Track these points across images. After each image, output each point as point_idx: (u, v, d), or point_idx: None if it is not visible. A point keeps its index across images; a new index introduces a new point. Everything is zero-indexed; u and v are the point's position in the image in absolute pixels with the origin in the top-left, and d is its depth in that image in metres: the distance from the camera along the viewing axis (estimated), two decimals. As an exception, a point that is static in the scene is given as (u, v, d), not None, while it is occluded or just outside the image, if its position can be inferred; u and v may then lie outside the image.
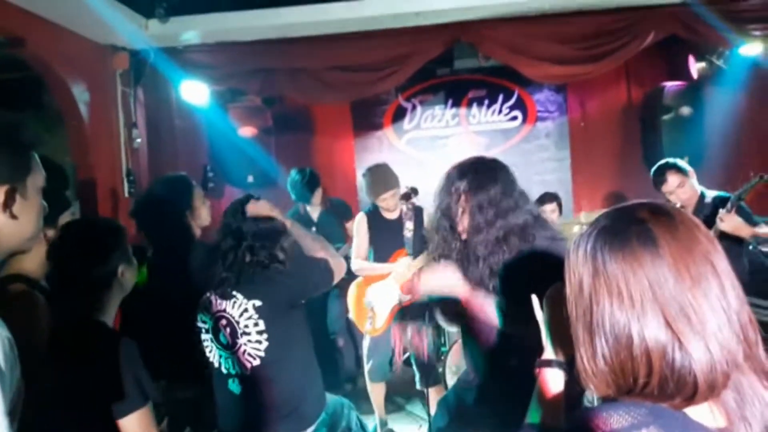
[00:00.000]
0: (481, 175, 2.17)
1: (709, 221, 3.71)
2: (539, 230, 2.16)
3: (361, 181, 6.32)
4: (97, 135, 4.51)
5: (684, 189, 3.97)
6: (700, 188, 4.04)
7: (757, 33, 4.78)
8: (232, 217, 2.53)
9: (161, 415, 2.82)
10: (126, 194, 4.72)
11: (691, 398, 0.96)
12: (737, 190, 3.70)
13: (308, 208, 5.13)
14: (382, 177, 4.19)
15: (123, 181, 4.72)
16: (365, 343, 4.30)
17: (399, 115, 6.45)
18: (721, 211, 3.68)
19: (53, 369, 1.76)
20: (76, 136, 4.42)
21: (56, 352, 1.81)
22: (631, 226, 1.02)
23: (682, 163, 4.06)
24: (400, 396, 5.09)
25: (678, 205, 3.93)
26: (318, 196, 5.05)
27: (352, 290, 4.34)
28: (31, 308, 1.97)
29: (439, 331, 5.16)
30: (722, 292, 1.00)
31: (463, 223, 2.17)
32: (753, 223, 3.72)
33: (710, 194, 4.01)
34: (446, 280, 2.17)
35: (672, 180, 3.98)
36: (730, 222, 3.64)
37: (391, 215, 4.26)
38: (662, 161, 4.13)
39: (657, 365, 0.95)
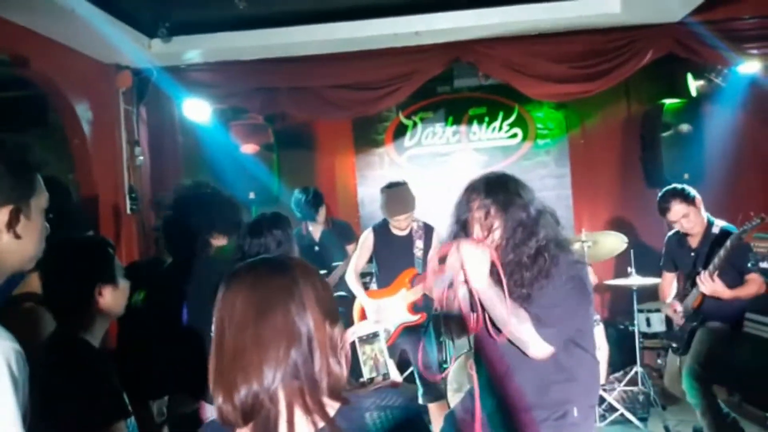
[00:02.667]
0: (511, 192, 2.14)
1: (712, 253, 3.68)
2: (562, 252, 2.15)
3: (362, 196, 6.38)
4: (100, 153, 4.56)
5: (688, 219, 3.85)
6: (706, 216, 3.91)
7: (755, 52, 4.82)
8: (252, 235, 2.58)
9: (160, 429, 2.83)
10: (128, 211, 4.76)
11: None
12: (740, 226, 3.55)
13: (310, 227, 5.15)
14: (401, 198, 4.19)
15: (125, 198, 4.76)
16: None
17: (400, 132, 6.49)
18: (703, 274, 3.60)
19: (37, 383, 1.78)
20: (79, 154, 4.47)
21: (42, 367, 1.83)
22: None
23: (689, 189, 3.90)
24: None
25: (683, 232, 3.93)
26: (322, 214, 5.09)
27: (357, 305, 4.36)
28: (36, 324, 2.00)
29: (441, 346, 5.17)
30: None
31: (490, 240, 2.12)
32: (747, 270, 3.65)
33: (718, 224, 3.89)
34: (485, 258, 2.06)
35: (676, 209, 3.85)
36: (709, 286, 3.58)
37: (401, 232, 4.28)
38: (668, 188, 3.97)
39: None
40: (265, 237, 2.68)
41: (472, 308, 2.16)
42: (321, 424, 1.11)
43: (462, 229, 2.19)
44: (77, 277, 1.95)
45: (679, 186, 3.96)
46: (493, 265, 2.05)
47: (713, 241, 3.80)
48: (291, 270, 1.22)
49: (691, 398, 3.72)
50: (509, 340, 2.15)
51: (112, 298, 2.01)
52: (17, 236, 1.25)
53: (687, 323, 3.93)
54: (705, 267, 3.69)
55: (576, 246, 4.78)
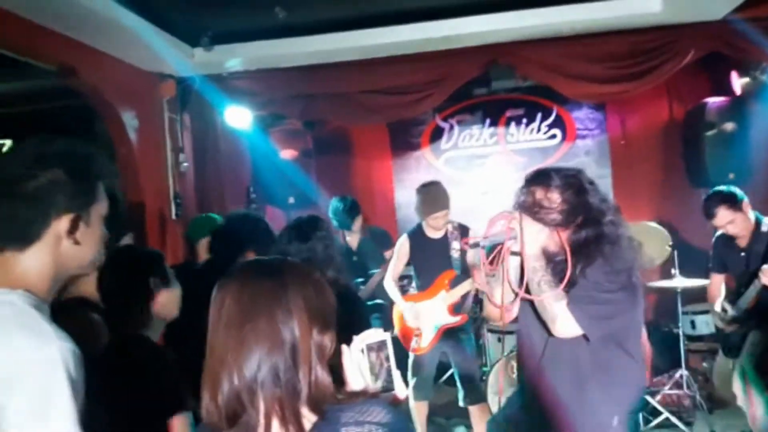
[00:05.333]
0: (578, 180, 2.20)
1: (765, 251, 3.60)
2: (621, 250, 2.16)
3: (399, 199, 6.41)
4: (146, 160, 4.69)
5: (735, 224, 3.74)
6: (754, 216, 3.78)
7: (801, 48, 4.69)
8: (300, 239, 2.61)
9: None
10: (173, 216, 4.88)
11: None
12: None
13: (348, 236, 5.18)
14: (434, 196, 4.20)
15: (170, 204, 4.88)
16: (408, 362, 4.31)
17: (436, 135, 6.50)
18: (765, 266, 3.45)
19: (100, 380, 1.86)
20: (125, 162, 4.59)
21: (105, 365, 1.91)
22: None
23: (735, 192, 3.77)
24: (441, 416, 5.09)
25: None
26: (358, 223, 5.10)
27: (397, 311, 4.38)
28: (88, 327, 2.09)
29: (480, 350, 5.16)
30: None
31: (552, 223, 2.16)
32: None
33: (767, 222, 3.77)
34: (542, 230, 2.15)
35: (722, 215, 3.74)
36: None
37: (436, 234, 4.28)
38: (713, 191, 3.85)
39: None
40: (312, 241, 2.63)
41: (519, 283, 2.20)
42: None
43: (521, 207, 2.21)
44: (139, 284, 2.07)
45: (724, 189, 3.83)
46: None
47: (763, 241, 3.71)
48: (281, 274, 1.21)
49: (743, 402, 3.64)
50: (539, 320, 2.19)
51: (167, 299, 2.14)
52: (77, 242, 1.31)
53: (740, 325, 3.84)
54: (757, 267, 3.60)
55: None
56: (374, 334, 1.40)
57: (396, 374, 1.40)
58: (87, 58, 4.11)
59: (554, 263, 2.16)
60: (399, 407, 1.31)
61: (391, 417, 1.16)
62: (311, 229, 2.66)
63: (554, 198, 2.17)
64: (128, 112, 4.53)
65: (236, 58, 4.81)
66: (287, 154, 5.74)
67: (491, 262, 2.19)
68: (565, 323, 2.11)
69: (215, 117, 5.38)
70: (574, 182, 2.20)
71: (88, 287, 2.19)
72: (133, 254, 2.27)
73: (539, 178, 2.24)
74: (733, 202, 3.74)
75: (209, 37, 4.47)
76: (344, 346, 1.32)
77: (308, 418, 1.14)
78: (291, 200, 5.69)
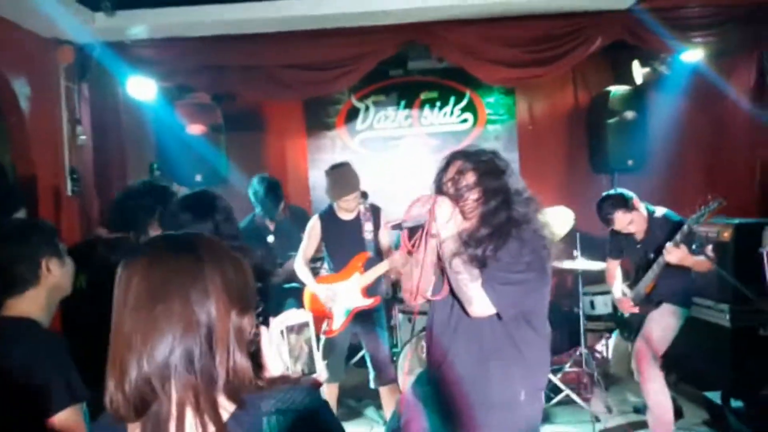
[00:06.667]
0: (491, 162, 2.25)
1: (662, 241, 3.75)
2: (531, 230, 2.22)
3: (313, 180, 6.31)
4: (39, 131, 4.34)
5: (634, 223, 3.91)
6: (644, 207, 3.96)
7: (699, 40, 4.95)
8: (192, 218, 2.43)
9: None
10: (69, 193, 4.55)
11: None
12: (693, 213, 3.56)
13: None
14: (345, 178, 4.12)
15: (66, 179, 4.55)
16: (320, 345, 4.26)
17: (352, 115, 6.45)
18: (668, 244, 3.66)
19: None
20: (16, 132, 4.23)
21: None
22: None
23: (624, 192, 3.94)
24: (351, 398, 5.08)
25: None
26: (281, 208, 4.94)
27: (308, 293, 4.30)
28: None
29: (391, 331, 5.18)
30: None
31: (468, 207, 2.20)
32: (694, 252, 3.71)
33: (659, 211, 3.96)
34: (455, 213, 2.18)
35: (620, 219, 3.90)
36: (675, 254, 3.63)
37: (348, 216, 4.22)
38: (604, 197, 4.00)
39: None
40: (215, 217, 2.38)
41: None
42: (212, 428, 1.02)
43: (438, 189, 2.27)
44: (27, 252, 1.90)
45: (613, 193, 4.00)
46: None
47: (657, 228, 3.90)
48: (196, 249, 1.10)
49: (640, 377, 3.85)
50: (455, 298, 2.22)
51: (61, 273, 1.97)
52: None
53: (639, 309, 4.04)
54: (655, 254, 3.80)
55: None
56: (295, 315, 1.32)
57: (317, 357, 1.33)
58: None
59: (469, 244, 2.18)
60: (319, 391, 1.25)
61: (314, 403, 1.11)
62: (210, 204, 2.42)
63: (470, 180, 2.21)
64: (19, 79, 4.16)
65: (141, 24, 4.51)
66: (195, 129, 5.49)
67: (412, 245, 2.19)
68: (480, 303, 2.15)
69: (117, 87, 5.07)
70: (490, 164, 2.25)
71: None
72: (20, 225, 2.06)
73: (456, 160, 2.28)
74: (625, 203, 3.90)
75: (111, 2, 4.17)
76: (263, 328, 1.24)
77: (225, 408, 1.06)
78: (198, 178, 5.46)
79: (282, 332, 1.30)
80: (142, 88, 4.95)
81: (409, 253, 2.23)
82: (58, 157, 4.54)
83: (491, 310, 2.15)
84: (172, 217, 2.42)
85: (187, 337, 1.03)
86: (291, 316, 1.32)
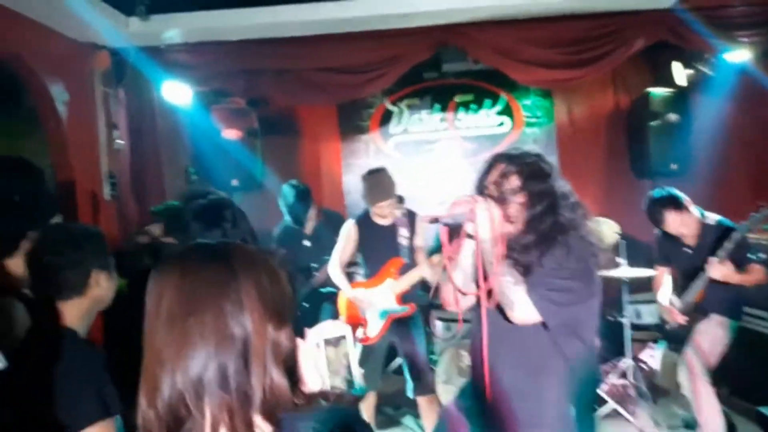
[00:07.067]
0: (536, 165, 2.15)
1: (711, 247, 3.62)
2: (580, 238, 2.12)
3: (347, 184, 6.26)
4: (77, 136, 4.37)
5: (686, 225, 3.76)
6: (697, 211, 3.80)
7: (744, 40, 4.78)
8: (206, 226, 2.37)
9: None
10: (107, 197, 4.59)
11: None
12: (743, 221, 3.44)
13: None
14: (381, 184, 4.05)
15: (103, 183, 4.58)
16: (356, 351, 4.17)
17: (386, 118, 6.39)
18: (713, 259, 3.52)
19: (19, 374, 1.67)
20: (54, 137, 4.27)
21: (23, 358, 1.71)
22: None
23: (676, 193, 3.79)
24: (389, 406, 4.99)
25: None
26: (312, 213, 4.90)
27: (343, 298, 4.24)
28: (8, 315, 1.87)
29: (429, 339, 5.08)
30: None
31: (512, 211, 2.12)
32: (747, 261, 3.58)
33: (711, 217, 3.80)
34: (496, 215, 2.09)
35: (672, 219, 3.76)
36: (719, 271, 3.51)
37: (384, 221, 4.15)
38: (655, 197, 3.86)
39: None
40: (241, 224, 2.38)
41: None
42: None
43: (480, 192, 2.19)
44: (77, 263, 1.87)
45: (665, 193, 3.84)
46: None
47: (709, 235, 3.74)
48: (229, 259, 1.04)
49: (690, 391, 3.69)
50: (501, 314, 2.11)
51: (107, 287, 1.96)
52: None
53: (687, 319, 3.88)
54: (703, 261, 3.63)
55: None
56: (332, 328, 1.25)
57: (357, 371, 1.26)
58: (12, 25, 3.79)
59: (513, 250, 2.10)
60: (359, 410, 1.17)
61: (355, 426, 1.04)
62: (218, 212, 2.39)
63: (515, 183, 2.12)
64: (57, 85, 4.20)
65: (175, 29, 4.53)
66: (230, 133, 5.50)
67: (452, 249, 2.13)
68: (523, 309, 2.05)
69: (153, 92, 5.09)
70: (535, 167, 2.15)
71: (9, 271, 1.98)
72: (75, 233, 1.98)
73: (499, 162, 2.19)
74: (678, 203, 3.75)
75: (145, 6, 4.19)
76: (299, 341, 1.18)
77: (262, 429, 0.99)
78: (235, 182, 5.48)
79: (318, 345, 1.23)
80: (177, 93, 4.97)
81: (449, 258, 2.16)
82: (95, 162, 4.58)
83: (534, 317, 2.05)
84: (184, 228, 2.39)
85: (221, 352, 0.98)
86: (327, 328, 1.26)
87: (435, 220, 2.13)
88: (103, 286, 1.94)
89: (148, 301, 1.03)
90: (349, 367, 1.26)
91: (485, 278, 2.12)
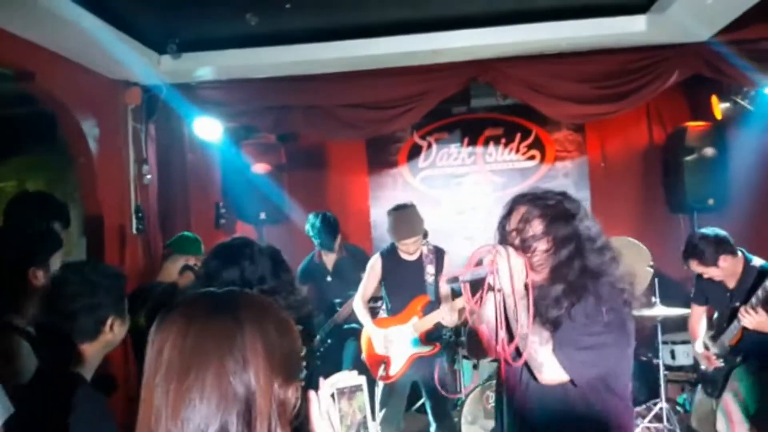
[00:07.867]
0: (560, 207, 1.98)
1: (750, 289, 3.45)
2: (609, 284, 1.96)
3: (375, 217, 6.23)
4: (106, 171, 4.43)
5: (734, 273, 3.58)
6: (740, 254, 3.61)
7: (783, 73, 4.63)
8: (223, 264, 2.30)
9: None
10: (134, 231, 4.62)
11: None
12: None
13: (324, 256, 4.97)
14: (408, 221, 4.01)
15: (131, 217, 4.63)
16: (377, 390, 4.09)
17: (414, 152, 6.36)
18: (744, 308, 3.35)
19: (24, 419, 1.64)
20: (84, 172, 4.34)
21: (29, 403, 1.68)
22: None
23: (725, 235, 3.58)
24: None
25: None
26: (338, 241, 4.90)
27: (365, 335, 4.16)
28: (12, 354, 1.86)
29: (454, 378, 4.96)
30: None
31: (536, 259, 1.96)
32: None
33: (757, 261, 3.60)
34: (519, 266, 1.92)
35: (724, 265, 3.55)
36: (751, 319, 3.34)
37: (411, 257, 4.09)
38: (704, 236, 3.61)
39: None
40: (259, 260, 2.32)
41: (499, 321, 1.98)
42: None
43: (502, 238, 2.02)
44: (95, 307, 1.84)
45: (716, 234, 3.59)
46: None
47: (751, 278, 3.55)
48: (236, 309, 0.98)
49: None
50: (527, 367, 1.97)
51: (119, 332, 1.93)
52: None
53: (723, 363, 3.69)
54: (743, 303, 3.46)
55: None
56: (346, 377, 1.19)
57: (372, 424, 1.18)
58: (46, 62, 3.87)
59: (541, 304, 1.94)
60: None
61: None
62: (237, 251, 2.23)
63: (537, 228, 1.96)
64: (89, 121, 4.28)
65: (206, 66, 4.60)
66: (259, 168, 5.54)
67: (476, 301, 1.97)
68: (552, 371, 1.91)
69: (183, 128, 5.15)
70: (558, 208, 1.98)
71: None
72: (94, 277, 1.91)
73: (519, 206, 2.02)
74: (731, 248, 3.55)
75: (177, 44, 4.25)
76: (312, 393, 1.11)
77: None
78: (263, 216, 5.51)
79: (333, 395, 1.16)
80: (208, 129, 5.02)
81: (471, 312, 2.03)
82: (124, 196, 4.63)
83: (564, 378, 1.91)
84: (203, 266, 2.35)
85: (221, 413, 0.91)
86: (343, 378, 1.19)
87: (455, 280, 1.98)
88: (115, 332, 1.91)
89: (148, 352, 0.98)
90: (365, 423, 1.19)
91: (510, 339, 1.97)
